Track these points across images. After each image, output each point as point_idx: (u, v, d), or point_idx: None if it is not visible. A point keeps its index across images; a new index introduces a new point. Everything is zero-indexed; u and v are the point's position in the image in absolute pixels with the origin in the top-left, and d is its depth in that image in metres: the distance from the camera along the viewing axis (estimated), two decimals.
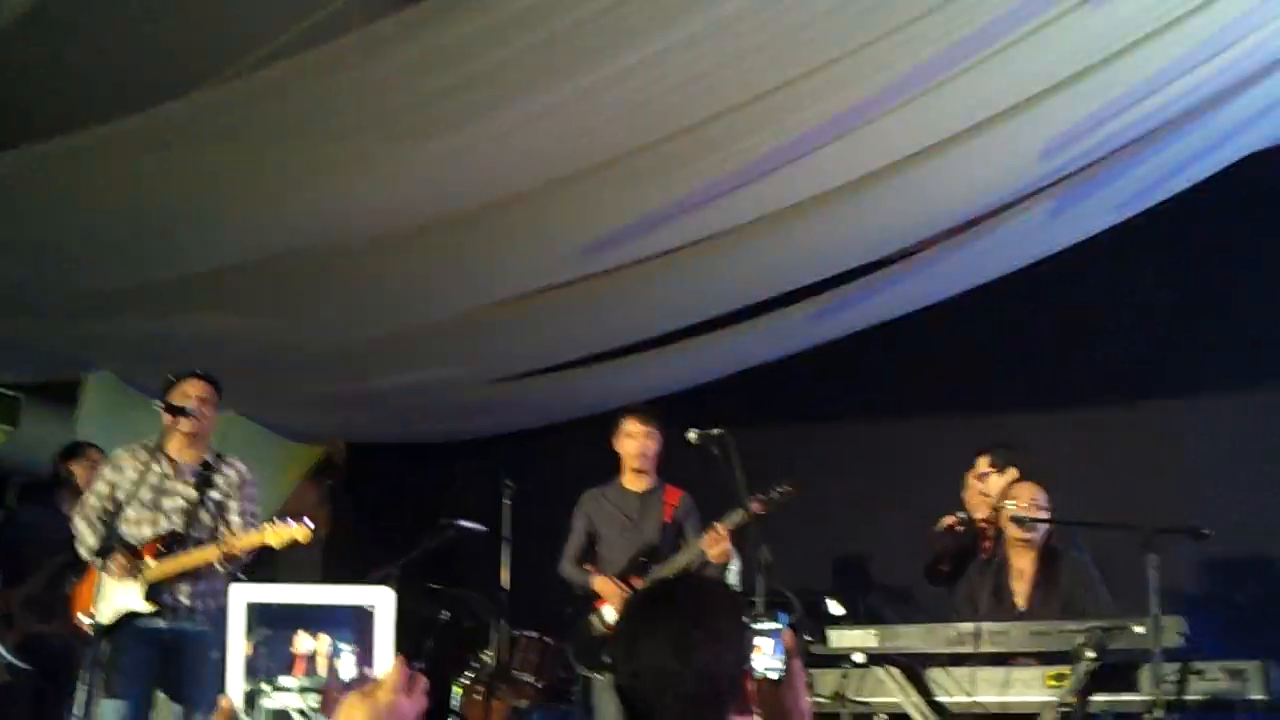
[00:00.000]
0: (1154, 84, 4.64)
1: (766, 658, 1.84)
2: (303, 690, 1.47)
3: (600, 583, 4.91)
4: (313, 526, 4.25)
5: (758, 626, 1.84)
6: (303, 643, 1.49)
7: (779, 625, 1.88)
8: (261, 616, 1.53)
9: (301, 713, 1.48)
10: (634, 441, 5.05)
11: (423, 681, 1.37)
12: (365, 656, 1.47)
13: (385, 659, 1.42)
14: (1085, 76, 4.45)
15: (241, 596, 1.55)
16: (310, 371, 6.48)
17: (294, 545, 4.18)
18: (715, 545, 4.54)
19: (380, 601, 1.44)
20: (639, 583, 4.76)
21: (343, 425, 7.68)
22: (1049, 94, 4.55)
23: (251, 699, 1.50)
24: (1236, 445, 6.13)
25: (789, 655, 1.85)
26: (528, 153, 4.23)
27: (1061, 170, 5.53)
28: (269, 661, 1.51)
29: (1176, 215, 5.93)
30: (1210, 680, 3.40)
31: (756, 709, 1.70)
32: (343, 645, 1.47)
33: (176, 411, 4.34)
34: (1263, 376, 6.22)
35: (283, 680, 1.49)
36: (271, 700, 1.49)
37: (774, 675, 1.83)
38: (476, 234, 4.90)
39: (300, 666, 1.49)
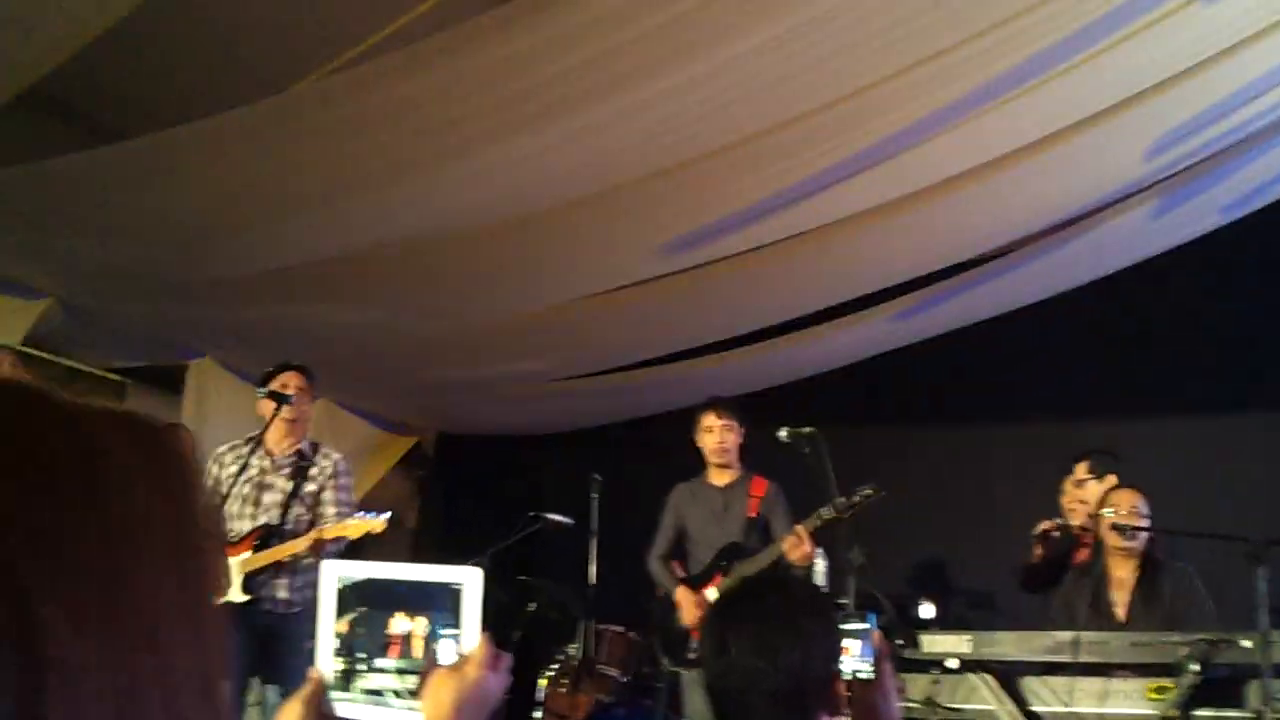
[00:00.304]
0: (1263, 84, 4.49)
1: (855, 659, 1.82)
2: (400, 672, 1.49)
3: (682, 593, 4.91)
4: (387, 516, 4.36)
5: (846, 627, 1.82)
6: (399, 624, 1.50)
7: (868, 626, 1.85)
8: (354, 594, 1.54)
9: (397, 694, 1.49)
10: (712, 435, 5.04)
11: (507, 659, 1.38)
12: (449, 630, 1.47)
13: (472, 637, 1.43)
14: (1193, 75, 4.33)
15: (332, 572, 1.56)
16: (405, 362, 6.58)
17: (369, 535, 4.34)
18: (796, 549, 4.51)
19: (469, 580, 1.45)
20: (720, 582, 4.76)
21: (434, 416, 7.78)
22: (1155, 92, 4.44)
23: (347, 677, 1.52)
24: None
25: (879, 657, 1.84)
26: (617, 150, 4.24)
27: (1165, 171, 5.39)
28: (367, 641, 1.53)
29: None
30: None
31: (846, 710, 1.69)
32: (442, 630, 1.48)
33: (278, 399, 4.45)
34: None
35: (379, 662, 1.51)
36: (368, 681, 1.51)
37: (864, 676, 1.82)
38: (568, 229, 4.92)
39: (396, 648, 1.50)
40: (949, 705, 3.78)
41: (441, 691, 1.32)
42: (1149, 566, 4.15)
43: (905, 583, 6.14)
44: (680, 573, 5.06)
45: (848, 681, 1.78)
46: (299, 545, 4.30)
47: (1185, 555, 4.37)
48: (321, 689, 1.46)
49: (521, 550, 5.70)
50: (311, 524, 4.47)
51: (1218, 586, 4.16)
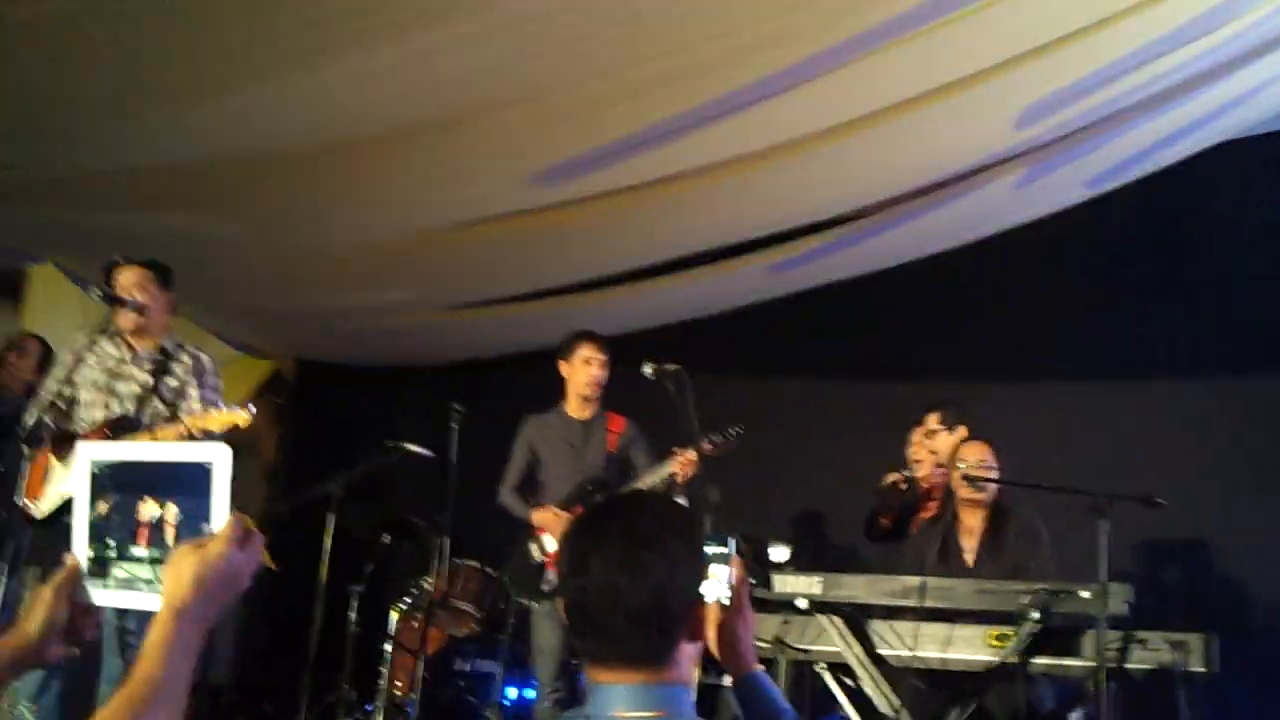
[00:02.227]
0: (1136, 59, 4.55)
1: (716, 584, 1.77)
2: (152, 561, 1.38)
3: (539, 515, 4.81)
4: (254, 411, 4.13)
5: (708, 551, 1.76)
6: (148, 510, 1.39)
7: (729, 551, 1.80)
8: (109, 478, 1.43)
9: (149, 583, 1.38)
10: (590, 368, 4.93)
11: (259, 537, 1.32)
12: (203, 516, 1.38)
13: (221, 516, 1.34)
14: (1069, 43, 4.34)
15: (86, 454, 1.45)
16: (263, 283, 6.30)
17: (234, 429, 4.09)
18: (688, 468, 4.44)
19: (218, 458, 1.35)
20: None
21: (294, 341, 7.50)
22: (1029, 58, 4.44)
23: (102, 565, 1.40)
24: (1188, 426, 6.19)
25: (739, 583, 1.79)
26: (486, 68, 4.06)
27: (1035, 141, 5.47)
28: (120, 528, 1.41)
29: (1143, 195, 5.96)
30: (1153, 650, 3.39)
31: (705, 635, 1.64)
32: (192, 512, 1.38)
33: (115, 302, 4.18)
34: (1215, 360, 6.28)
35: (132, 550, 1.40)
36: (121, 569, 1.40)
37: (725, 601, 1.78)
38: (433, 151, 4.73)
39: (145, 535, 1.39)
40: (797, 645, 3.79)
41: (182, 567, 1.25)
42: (997, 515, 4.24)
43: (760, 526, 6.19)
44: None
45: (709, 606, 1.74)
46: (164, 436, 4.02)
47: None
48: (74, 576, 1.36)
49: (379, 481, 5.53)
50: (170, 421, 4.20)
51: (1060, 541, 4.27)
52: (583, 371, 4.92)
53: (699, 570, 1.62)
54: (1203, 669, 3.33)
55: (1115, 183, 5.93)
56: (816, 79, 4.39)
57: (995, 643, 3.51)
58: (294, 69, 3.92)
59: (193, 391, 4.35)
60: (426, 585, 5.23)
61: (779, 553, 4.47)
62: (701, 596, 1.61)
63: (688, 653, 1.60)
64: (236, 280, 6.21)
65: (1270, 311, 6.18)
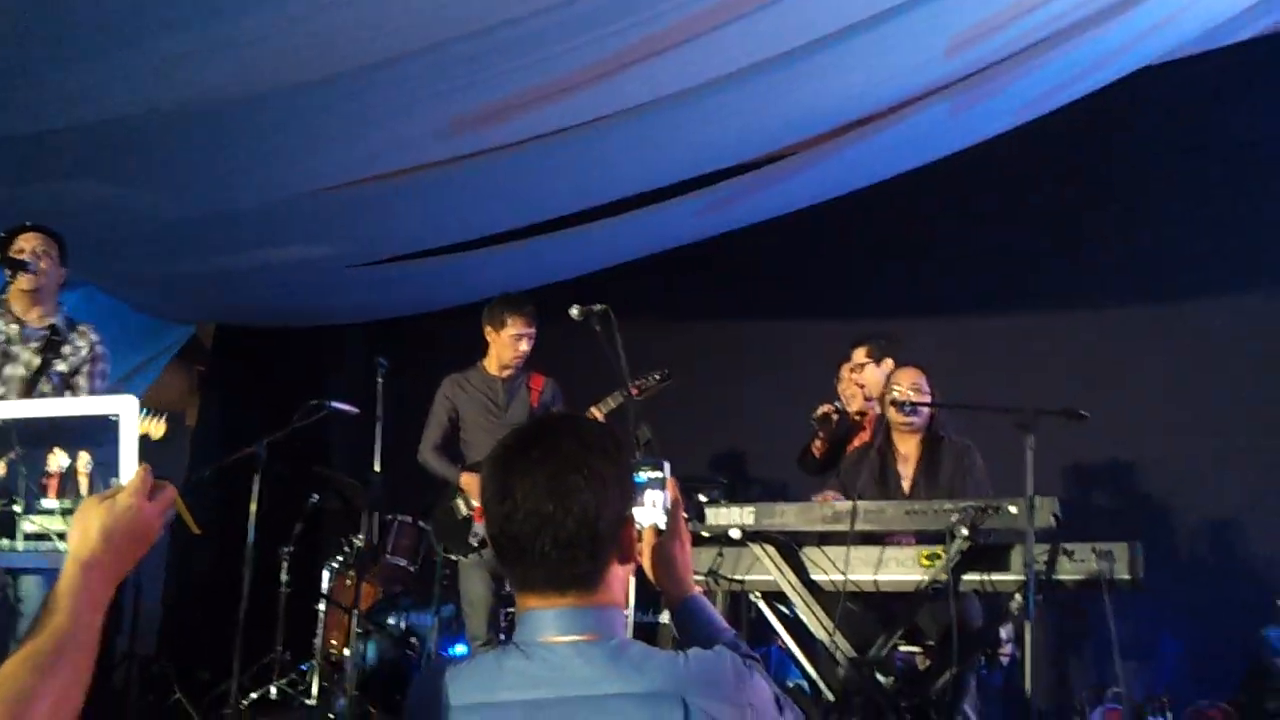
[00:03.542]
0: None
1: (651, 509, 1.74)
2: (65, 513, 1.33)
3: (469, 479, 4.74)
4: (165, 423, 4.02)
5: (643, 474, 1.73)
6: (56, 460, 1.33)
7: (663, 475, 1.76)
8: (6, 434, 1.37)
9: (62, 536, 1.33)
10: (519, 344, 4.84)
11: (170, 490, 1.30)
12: (114, 468, 1.33)
13: (130, 468, 1.29)
14: None
15: None
16: (172, 246, 6.09)
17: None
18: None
19: (125, 409, 1.30)
20: None
21: (210, 306, 7.30)
22: None
23: (8, 522, 1.34)
24: (1111, 352, 6.33)
25: (674, 505, 1.75)
26: (389, 18, 3.95)
27: (964, 69, 5.48)
28: (28, 482, 1.35)
29: (1061, 124, 6.03)
30: (1079, 560, 3.44)
31: (637, 558, 1.60)
32: (101, 462, 1.33)
33: (14, 266, 4.01)
34: (1136, 288, 6.42)
35: (43, 503, 1.34)
36: (30, 524, 1.34)
37: (660, 526, 1.75)
38: (340, 102, 4.58)
39: (55, 486, 1.34)
40: (732, 576, 3.80)
41: (89, 518, 1.23)
42: (931, 442, 4.28)
43: (692, 465, 6.22)
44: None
45: (644, 530, 1.72)
46: None
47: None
48: None
49: (306, 441, 5.42)
50: None
51: (994, 471, 4.31)
52: (510, 347, 4.84)
53: (627, 491, 1.58)
54: (1128, 577, 3.40)
55: (1037, 112, 5.98)
56: (744, 14, 4.34)
57: (926, 562, 3.55)
58: (196, 21, 3.76)
59: (81, 381, 4.17)
60: (358, 542, 5.16)
61: (712, 491, 4.48)
62: (630, 518, 1.57)
63: (619, 575, 1.57)
64: (146, 246, 6.00)
65: (1190, 238, 6.30)
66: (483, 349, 4.94)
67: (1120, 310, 6.45)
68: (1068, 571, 3.45)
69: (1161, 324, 6.35)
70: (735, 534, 3.68)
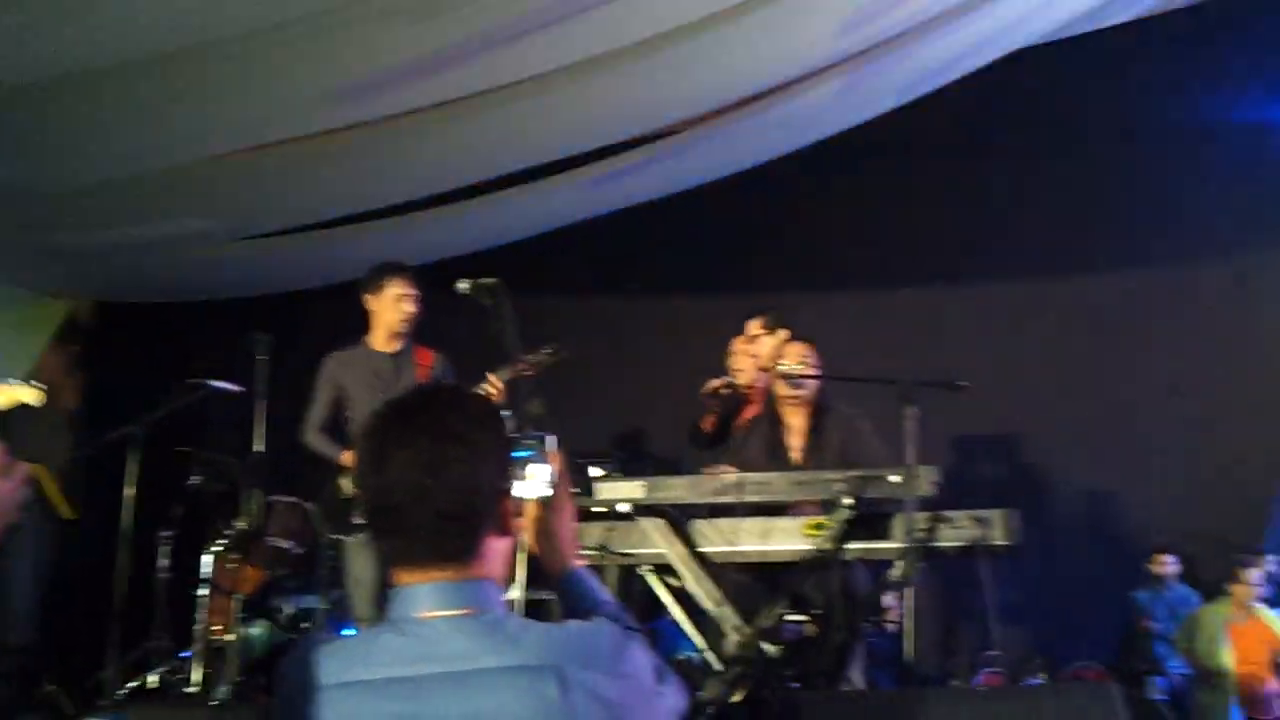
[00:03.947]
0: None
1: (535, 482, 1.70)
2: None
3: (351, 458, 4.62)
4: (44, 388, 3.86)
5: (524, 453, 1.69)
6: None
7: (548, 447, 1.73)
8: None
9: None
10: (402, 305, 4.67)
11: (23, 469, 1.26)
12: None
13: None
14: None
15: None
16: (44, 218, 5.82)
17: (23, 407, 3.85)
18: (498, 395, 4.35)
19: None
20: None
21: (88, 281, 7.01)
22: None
23: None
24: (992, 327, 6.52)
25: (558, 478, 1.72)
26: None
27: (855, 48, 5.54)
28: None
29: (946, 104, 6.16)
30: (959, 528, 3.53)
31: (516, 531, 1.57)
32: None
33: None
34: (1017, 262, 6.61)
35: None
36: None
37: (544, 497, 1.71)
38: (219, 69, 4.42)
39: None
40: (622, 550, 3.81)
41: None
42: (819, 413, 4.33)
43: (585, 440, 6.21)
44: None
45: (527, 502, 1.68)
46: None
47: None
48: None
49: (187, 420, 5.25)
50: None
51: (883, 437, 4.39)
52: (393, 309, 4.66)
53: (504, 463, 1.55)
54: (1005, 543, 3.49)
55: (921, 91, 6.09)
56: None
57: (811, 532, 3.60)
58: None
59: None
60: (240, 525, 5.02)
61: (601, 468, 4.48)
62: (508, 490, 1.54)
63: (496, 548, 1.55)
64: (16, 216, 5.72)
65: (1070, 216, 6.52)
66: (367, 325, 4.81)
67: (1003, 285, 6.65)
68: (948, 539, 3.53)
69: (1043, 299, 6.56)
70: (625, 508, 3.68)
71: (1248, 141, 6.33)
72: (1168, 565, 6.06)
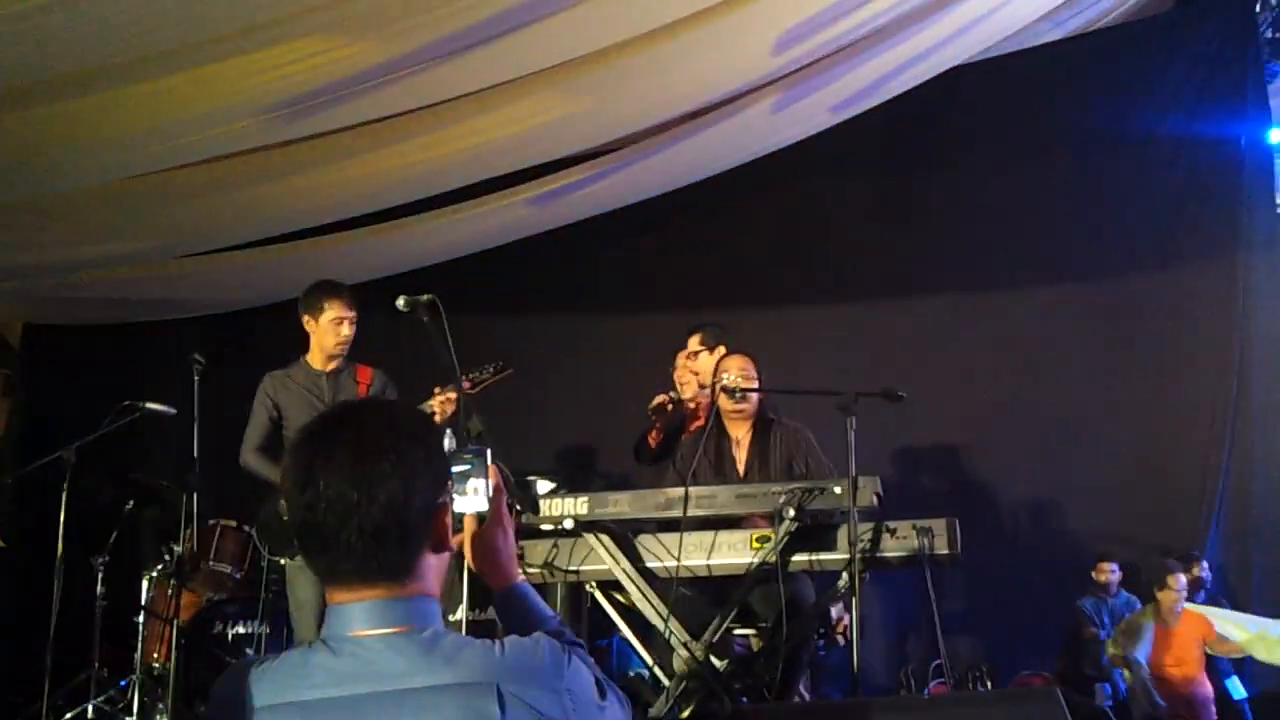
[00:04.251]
0: None
1: (473, 497, 1.68)
2: None
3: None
4: None
5: (461, 467, 1.67)
6: None
7: (486, 461, 1.71)
8: None
9: None
10: (341, 329, 4.58)
11: None
12: None
13: None
14: None
15: None
16: None
17: None
18: (448, 406, 4.29)
19: None
20: None
21: (14, 304, 6.85)
22: None
23: None
24: (933, 341, 6.58)
25: (496, 491, 1.70)
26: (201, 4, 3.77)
27: (790, 66, 5.59)
28: None
29: (882, 121, 6.24)
30: (901, 538, 3.55)
31: (451, 546, 1.55)
32: None
33: None
34: (957, 276, 6.69)
35: None
36: None
37: (481, 511, 1.70)
38: (149, 86, 4.33)
39: None
40: (567, 568, 3.78)
41: None
42: (762, 426, 4.34)
43: (532, 458, 6.18)
44: None
45: (465, 518, 1.67)
46: None
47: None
48: None
49: (118, 445, 5.14)
50: None
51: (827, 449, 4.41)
52: (331, 333, 4.59)
53: (439, 477, 1.52)
54: (947, 552, 3.51)
55: (856, 109, 6.16)
56: (569, 5, 4.30)
57: (756, 545, 3.60)
58: None
59: None
60: (178, 550, 4.91)
61: (543, 486, 4.45)
62: (444, 505, 1.51)
63: (432, 565, 1.52)
64: None
65: (1008, 230, 6.61)
66: (304, 343, 4.74)
67: (943, 298, 6.72)
68: (891, 549, 3.55)
69: (985, 311, 6.64)
70: (569, 524, 3.65)
71: (1182, 154, 6.47)
72: (1110, 573, 6.14)
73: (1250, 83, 6.41)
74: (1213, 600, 5.88)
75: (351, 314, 4.63)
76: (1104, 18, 6.86)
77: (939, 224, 6.73)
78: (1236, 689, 5.69)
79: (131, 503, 5.09)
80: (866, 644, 4.23)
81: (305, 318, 4.66)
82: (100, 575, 4.97)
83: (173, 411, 5.05)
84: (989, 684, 5.56)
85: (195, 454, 4.93)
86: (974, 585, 6.01)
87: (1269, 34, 6.48)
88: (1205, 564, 5.83)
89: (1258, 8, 6.46)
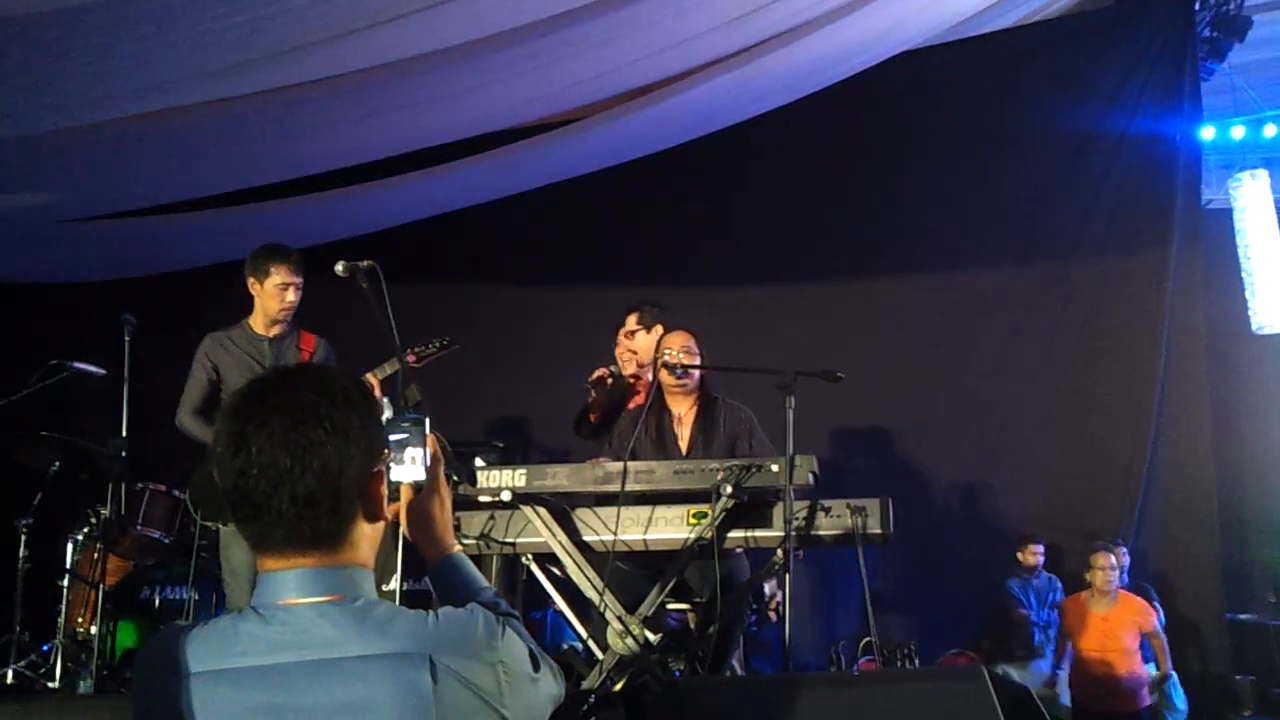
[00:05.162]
0: None
1: (410, 466, 1.66)
2: None
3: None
4: None
5: (398, 436, 1.65)
6: None
7: (422, 430, 1.69)
8: None
9: None
10: (286, 294, 4.51)
11: None
12: None
13: None
14: None
15: None
16: None
17: None
18: (374, 386, 4.25)
19: None
20: None
21: None
22: None
23: None
24: (872, 322, 6.65)
25: (433, 460, 1.69)
26: None
27: (746, 42, 5.59)
28: None
29: (827, 104, 6.27)
30: (836, 516, 3.58)
31: (385, 515, 1.53)
32: None
33: None
34: (893, 259, 6.77)
35: None
36: None
37: (417, 481, 1.68)
38: (93, 36, 4.21)
39: None
40: (504, 540, 3.77)
41: None
42: (705, 403, 4.35)
43: (472, 430, 6.16)
44: None
45: (401, 486, 1.65)
46: None
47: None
48: None
49: (44, 405, 5.02)
50: None
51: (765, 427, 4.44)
52: (276, 297, 4.51)
53: (374, 445, 1.50)
54: (879, 531, 3.56)
55: (808, 88, 6.19)
56: None
57: (693, 520, 3.62)
58: None
59: None
60: (104, 513, 4.82)
61: (485, 458, 4.40)
62: (379, 474, 1.50)
63: (366, 533, 1.51)
64: None
65: (943, 214, 6.69)
66: (248, 305, 4.65)
67: (883, 282, 6.79)
68: (825, 527, 3.58)
69: (923, 295, 6.72)
70: (506, 496, 3.64)
71: (1115, 150, 6.58)
72: (1037, 555, 6.25)
73: (1187, 80, 6.54)
74: (1138, 590, 5.98)
75: (298, 280, 4.55)
76: (1048, 7, 6.94)
77: (879, 209, 6.79)
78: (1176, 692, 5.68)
79: (57, 464, 4.95)
80: (798, 621, 4.28)
81: (250, 280, 4.57)
82: (24, 538, 4.84)
83: (102, 372, 4.94)
84: (916, 662, 5.66)
85: (125, 416, 4.85)
86: (904, 564, 6.11)
87: (1206, 33, 6.59)
88: (1125, 550, 5.95)
89: (1196, 6, 6.57)
